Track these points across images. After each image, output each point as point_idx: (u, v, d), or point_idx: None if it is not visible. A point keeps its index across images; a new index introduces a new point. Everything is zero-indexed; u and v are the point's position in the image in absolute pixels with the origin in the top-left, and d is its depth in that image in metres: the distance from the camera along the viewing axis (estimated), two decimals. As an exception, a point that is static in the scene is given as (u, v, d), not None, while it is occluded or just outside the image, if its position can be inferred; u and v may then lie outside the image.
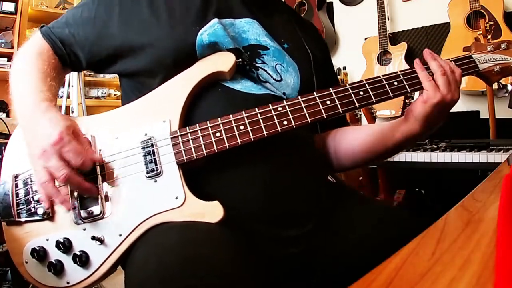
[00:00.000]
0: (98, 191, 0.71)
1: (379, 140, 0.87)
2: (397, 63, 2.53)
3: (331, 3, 3.07)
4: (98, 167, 0.73)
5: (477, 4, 2.19)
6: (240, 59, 0.81)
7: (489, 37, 1.71)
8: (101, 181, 0.72)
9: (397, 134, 0.84)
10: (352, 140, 0.92)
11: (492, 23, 1.75)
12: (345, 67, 2.88)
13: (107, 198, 0.72)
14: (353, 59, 2.84)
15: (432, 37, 2.54)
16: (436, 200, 2.16)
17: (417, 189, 2.32)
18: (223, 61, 0.79)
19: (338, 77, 2.82)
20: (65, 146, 0.67)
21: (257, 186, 0.74)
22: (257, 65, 0.84)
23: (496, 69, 0.84)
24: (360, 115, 2.41)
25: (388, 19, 2.61)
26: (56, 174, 0.66)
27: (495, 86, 0.93)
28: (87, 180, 0.70)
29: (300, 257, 0.77)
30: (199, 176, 0.74)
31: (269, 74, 0.84)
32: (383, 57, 2.59)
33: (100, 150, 0.75)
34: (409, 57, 2.55)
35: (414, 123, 0.80)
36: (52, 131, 0.68)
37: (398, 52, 2.55)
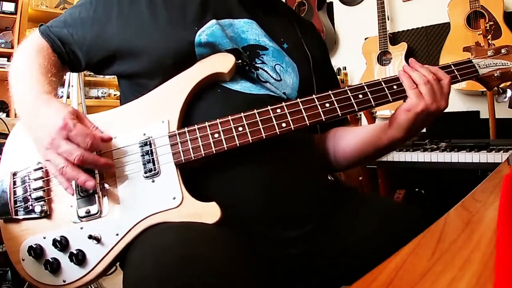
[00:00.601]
0: (113, 165, 0.71)
1: (369, 142, 0.88)
2: (397, 63, 2.53)
3: (331, 3, 3.07)
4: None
5: (477, 4, 2.19)
6: (239, 60, 0.81)
7: (489, 37, 1.71)
8: (98, 180, 0.72)
9: (383, 139, 0.84)
10: (347, 140, 0.92)
11: (492, 23, 1.74)
12: (345, 67, 2.88)
13: (104, 197, 0.71)
14: (353, 59, 2.84)
15: (432, 37, 2.54)
16: (436, 200, 2.16)
17: (417, 189, 2.32)
18: (223, 62, 0.79)
19: (338, 77, 2.82)
20: (71, 130, 0.67)
21: (256, 187, 0.74)
22: (256, 65, 0.84)
23: (496, 74, 0.85)
24: (360, 115, 2.41)
25: (388, 19, 2.61)
26: (71, 157, 0.66)
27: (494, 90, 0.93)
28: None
29: (300, 258, 0.77)
30: (197, 176, 0.74)
31: (268, 74, 0.84)
32: (383, 57, 2.59)
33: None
34: (409, 57, 2.52)
35: (398, 130, 0.80)
36: (56, 118, 0.68)
37: (398, 52, 2.55)
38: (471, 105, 2.35)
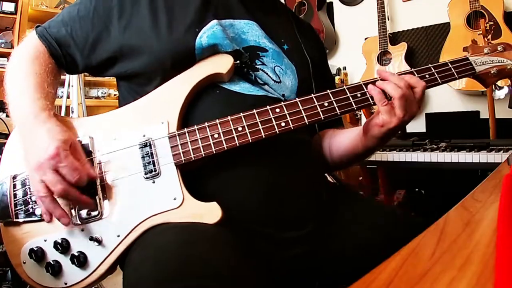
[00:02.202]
0: (96, 205, 0.70)
1: (350, 148, 0.89)
2: (397, 63, 2.53)
3: (331, 3, 3.07)
4: (96, 168, 0.73)
5: (477, 4, 2.19)
6: (238, 61, 0.81)
7: (489, 37, 1.71)
8: (99, 182, 0.72)
9: (359, 146, 0.85)
10: (340, 142, 0.92)
11: (492, 23, 1.74)
12: (345, 67, 2.88)
13: (105, 199, 0.71)
14: (353, 59, 2.84)
15: (432, 37, 2.54)
16: (436, 200, 2.16)
17: (417, 189, 2.32)
18: (221, 63, 0.79)
19: (338, 77, 2.82)
20: (61, 161, 0.66)
21: (256, 187, 0.74)
22: (256, 66, 0.84)
23: (493, 71, 0.85)
24: (360, 115, 2.41)
25: (388, 19, 2.61)
26: (52, 188, 0.66)
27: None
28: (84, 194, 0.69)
29: (300, 258, 0.77)
30: (197, 177, 0.74)
31: (268, 75, 0.84)
32: (383, 57, 2.59)
33: (94, 152, 0.75)
34: (409, 57, 2.55)
35: (371, 141, 0.81)
36: (49, 144, 0.67)
37: (398, 52, 2.55)
38: (471, 105, 2.35)
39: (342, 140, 0.91)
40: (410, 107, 0.74)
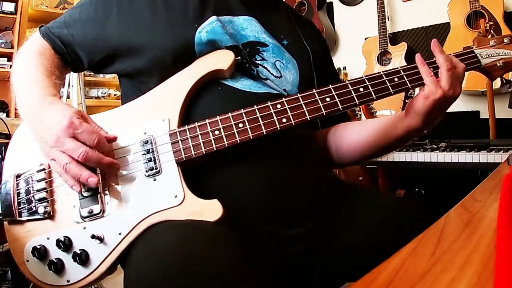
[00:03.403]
0: (118, 165, 0.71)
1: (382, 135, 0.87)
2: (397, 63, 2.53)
3: (331, 3, 3.07)
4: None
5: (477, 4, 2.19)
6: (239, 57, 0.81)
7: (489, 37, 1.71)
8: (101, 180, 0.72)
9: (399, 129, 0.84)
10: (355, 135, 0.91)
11: (492, 23, 1.75)
12: (345, 67, 2.88)
13: (106, 196, 0.72)
14: (353, 59, 2.84)
15: (432, 37, 2.54)
16: (436, 200, 2.16)
17: (417, 189, 2.32)
18: (222, 59, 0.79)
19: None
20: (77, 128, 0.67)
21: (258, 184, 0.74)
22: (256, 62, 0.84)
23: (499, 64, 0.84)
24: (360, 114, 2.41)
25: (388, 19, 2.61)
26: (75, 154, 0.66)
27: (498, 81, 0.92)
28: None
29: (302, 255, 0.77)
30: (199, 174, 0.74)
31: (269, 71, 0.84)
32: (383, 57, 2.59)
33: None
34: (409, 57, 2.55)
35: (415, 118, 0.80)
36: (62, 118, 0.68)
37: (398, 52, 2.55)
38: (471, 105, 2.35)
39: (358, 132, 0.90)
40: (455, 83, 0.76)
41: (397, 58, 2.55)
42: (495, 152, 1.60)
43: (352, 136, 0.91)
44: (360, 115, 2.42)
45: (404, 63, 2.49)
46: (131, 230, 0.69)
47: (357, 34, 2.88)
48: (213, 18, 0.81)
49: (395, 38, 2.69)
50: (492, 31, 1.73)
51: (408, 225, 0.73)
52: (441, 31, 2.49)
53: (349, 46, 2.98)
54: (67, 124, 0.67)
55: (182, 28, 0.80)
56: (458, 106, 2.36)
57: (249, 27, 0.86)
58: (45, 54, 0.83)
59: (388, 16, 2.60)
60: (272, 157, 0.77)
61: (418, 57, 0.79)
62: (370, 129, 0.88)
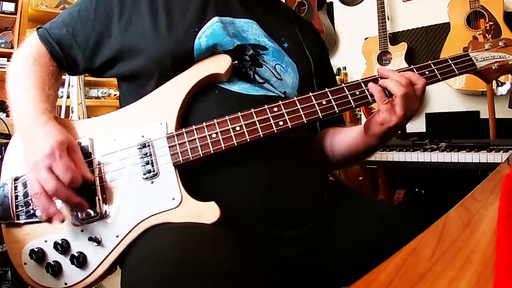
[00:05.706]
0: (88, 206, 0.70)
1: (355, 144, 0.88)
2: (397, 63, 2.53)
3: (331, 3, 3.07)
4: (96, 169, 0.73)
5: (477, 4, 2.19)
6: (236, 61, 0.81)
7: (489, 37, 1.71)
8: (98, 183, 0.72)
9: (360, 145, 0.85)
10: (341, 140, 0.92)
11: (492, 23, 1.75)
12: (345, 67, 2.88)
13: (104, 199, 0.71)
14: (353, 59, 2.84)
15: (432, 37, 2.54)
16: (436, 200, 2.16)
17: (417, 189, 2.32)
18: (220, 64, 0.79)
19: (338, 77, 2.82)
20: (55, 160, 0.67)
21: (255, 186, 0.74)
22: (260, 62, 0.84)
23: (494, 67, 0.84)
24: (360, 115, 2.41)
25: (388, 19, 2.61)
26: (45, 186, 0.66)
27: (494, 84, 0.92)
28: (78, 195, 0.69)
29: (300, 257, 0.77)
30: (196, 177, 0.74)
31: (271, 72, 0.84)
32: (383, 57, 2.59)
33: (94, 153, 0.75)
34: (409, 57, 2.55)
35: (372, 139, 0.81)
36: (45, 144, 0.68)
37: (398, 52, 2.55)
38: (471, 105, 2.35)
39: (344, 139, 0.91)
40: (411, 104, 0.74)
41: (397, 58, 2.54)
42: (495, 152, 1.60)
43: (340, 141, 0.92)
44: (360, 115, 2.42)
45: (404, 63, 2.51)
46: (128, 233, 0.69)
47: (357, 34, 2.88)
48: (215, 19, 0.81)
49: (395, 38, 2.69)
50: (492, 31, 1.73)
51: (405, 227, 0.73)
52: (441, 31, 2.49)
53: (349, 46, 2.98)
54: (47, 153, 0.67)
55: (182, 33, 0.80)
56: (458, 106, 2.36)
57: (250, 30, 0.86)
58: (40, 62, 0.82)
59: (388, 16, 2.60)
60: (269, 160, 0.76)
61: (371, 86, 0.76)
62: (351, 136, 0.89)
